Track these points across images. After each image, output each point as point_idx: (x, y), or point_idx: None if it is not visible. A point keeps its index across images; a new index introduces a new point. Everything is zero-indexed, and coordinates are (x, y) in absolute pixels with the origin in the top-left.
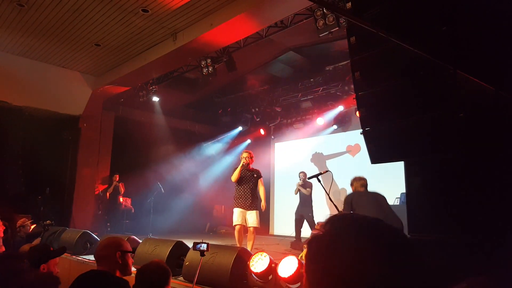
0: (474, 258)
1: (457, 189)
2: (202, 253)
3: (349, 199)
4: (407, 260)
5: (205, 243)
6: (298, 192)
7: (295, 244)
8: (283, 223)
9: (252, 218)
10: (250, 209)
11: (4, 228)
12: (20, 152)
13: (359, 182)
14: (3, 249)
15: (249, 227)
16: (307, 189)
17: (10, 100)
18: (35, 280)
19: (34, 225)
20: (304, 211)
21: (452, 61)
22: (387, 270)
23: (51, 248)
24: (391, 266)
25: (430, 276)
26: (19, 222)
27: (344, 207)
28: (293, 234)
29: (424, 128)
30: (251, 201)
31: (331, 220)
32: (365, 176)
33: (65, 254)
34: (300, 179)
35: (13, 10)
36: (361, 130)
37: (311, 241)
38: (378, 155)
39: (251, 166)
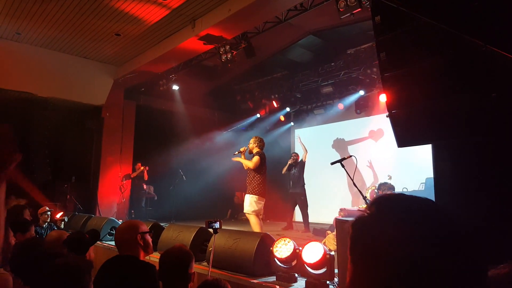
0: (508, 245)
1: (489, 174)
2: (215, 231)
3: None
4: (453, 242)
5: (217, 221)
6: (289, 173)
7: (317, 231)
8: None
9: (245, 203)
10: (246, 194)
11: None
12: (46, 142)
13: (386, 186)
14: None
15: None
16: (295, 169)
17: (35, 92)
18: (70, 264)
19: (61, 213)
20: (296, 194)
21: (483, 37)
22: (432, 251)
23: (86, 235)
24: (436, 247)
25: (478, 259)
26: (40, 210)
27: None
28: (315, 221)
29: (453, 109)
30: (248, 186)
31: (377, 200)
32: (389, 162)
33: None
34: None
35: (36, 2)
36: (385, 114)
37: (356, 222)
38: (405, 139)
39: (254, 151)
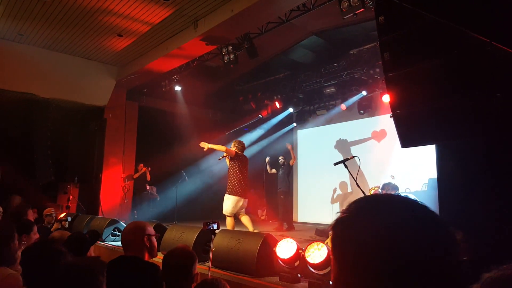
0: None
1: (493, 174)
2: (213, 232)
3: None
4: (435, 236)
5: (215, 222)
6: (277, 174)
7: (320, 231)
8: (307, 210)
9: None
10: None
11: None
12: (49, 142)
13: (390, 186)
14: (38, 236)
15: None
16: (273, 169)
17: (38, 93)
18: (82, 265)
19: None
20: (278, 193)
21: (488, 34)
22: (413, 246)
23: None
24: (417, 242)
25: (459, 252)
26: (45, 211)
27: None
28: (317, 221)
29: (458, 110)
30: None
31: (355, 202)
32: (391, 162)
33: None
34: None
35: (38, 3)
36: (388, 114)
37: (336, 224)
38: (408, 139)
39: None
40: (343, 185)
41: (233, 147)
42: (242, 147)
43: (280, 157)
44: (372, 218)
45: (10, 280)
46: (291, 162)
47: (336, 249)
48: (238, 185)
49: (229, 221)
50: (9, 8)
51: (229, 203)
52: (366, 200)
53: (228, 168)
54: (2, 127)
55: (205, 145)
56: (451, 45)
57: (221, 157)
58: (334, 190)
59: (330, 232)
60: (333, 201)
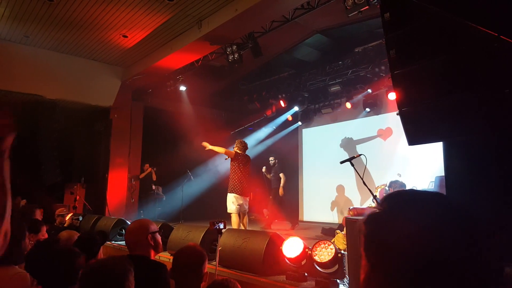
0: None
1: (502, 171)
2: (219, 231)
3: None
4: (468, 234)
5: (222, 221)
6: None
7: (326, 230)
8: (312, 209)
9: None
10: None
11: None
12: (55, 143)
13: (397, 184)
14: (46, 236)
15: None
16: (271, 174)
17: (43, 94)
18: (108, 267)
19: (70, 215)
20: (274, 192)
21: (496, 27)
22: (448, 245)
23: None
24: (450, 239)
25: (493, 251)
26: (58, 211)
27: None
28: (323, 220)
29: (466, 106)
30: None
31: (388, 197)
32: (398, 161)
33: None
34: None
35: (43, 6)
36: (394, 112)
37: (369, 219)
38: (416, 137)
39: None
40: (348, 183)
41: (235, 147)
42: (243, 146)
43: (271, 157)
44: (408, 214)
45: (17, 279)
46: (282, 180)
47: (369, 246)
48: (237, 183)
49: (233, 218)
50: (15, 11)
51: (229, 201)
52: (401, 195)
53: (230, 168)
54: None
55: (206, 145)
56: (458, 40)
57: (226, 158)
58: (340, 189)
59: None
60: (338, 200)
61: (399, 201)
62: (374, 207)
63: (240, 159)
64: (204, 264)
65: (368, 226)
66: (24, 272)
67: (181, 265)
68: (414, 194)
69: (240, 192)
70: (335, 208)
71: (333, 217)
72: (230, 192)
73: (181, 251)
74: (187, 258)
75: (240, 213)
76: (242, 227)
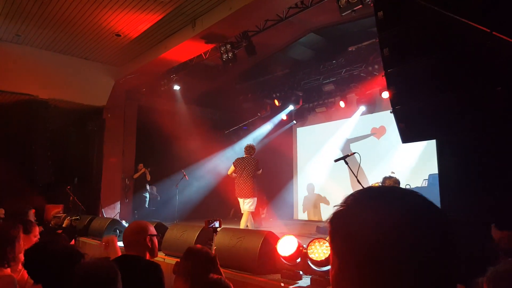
0: None
1: (495, 169)
2: (215, 230)
3: None
4: (433, 224)
5: (217, 220)
6: None
7: (321, 229)
8: (307, 207)
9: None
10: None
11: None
12: (48, 143)
13: (391, 180)
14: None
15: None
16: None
17: (36, 93)
18: (100, 268)
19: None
20: None
21: (489, 23)
22: (411, 236)
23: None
24: (415, 231)
25: (456, 242)
26: (53, 213)
27: None
28: (318, 219)
29: (458, 104)
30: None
31: (351, 194)
32: (391, 159)
33: (96, 241)
34: None
35: (35, 4)
36: (388, 111)
37: (333, 217)
38: (409, 134)
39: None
40: (343, 181)
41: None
42: (248, 149)
43: None
44: (369, 209)
45: (3, 282)
46: None
47: (334, 243)
48: (235, 186)
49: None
50: (6, 9)
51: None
52: (362, 192)
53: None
54: (1, 128)
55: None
56: (451, 39)
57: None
58: (334, 187)
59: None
60: (333, 198)
61: (360, 197)
62: (338, 205)
63: (238, 164)
64: (211, 267)
65: (333, 222)
66: (10, 275)
67: (189, 264)
68: (375, 190)
69: (236, 194)
70: (330, 207)
71: (328, 216)
72: None
73: (191, 250)
74: (195, 258)
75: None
76: (241, 226)
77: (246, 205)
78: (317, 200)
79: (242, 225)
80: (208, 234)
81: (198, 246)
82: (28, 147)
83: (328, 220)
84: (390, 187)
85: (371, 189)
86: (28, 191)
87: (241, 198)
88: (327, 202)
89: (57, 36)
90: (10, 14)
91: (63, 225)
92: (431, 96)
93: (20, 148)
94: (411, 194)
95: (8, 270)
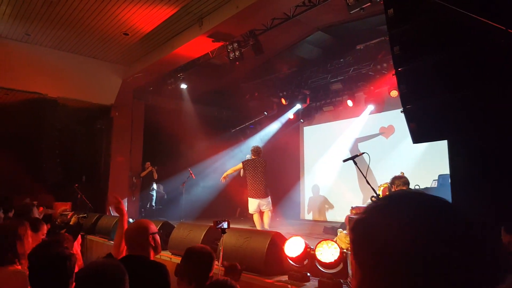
0: None
1: (508, 169)
2: (223, 231)
3: None
4: (456, 229)
5: (225, 221)
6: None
7: (328, 229)
8: (314, 207)
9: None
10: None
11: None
12: (57, 141)
13: (401, 180)
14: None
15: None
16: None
17: (45, 92)
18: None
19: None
20: None
21: (505, 21)
22: (437, 241)
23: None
24: (441, 236)
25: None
26: (59, 211)
27: None
28: (325, 219)
29: (471, 103)
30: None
31: (373, 202)
32: (400, 159)
33: (103, 239)
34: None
35: (44, 4)
36: (397, 110)
37: (356, 225)
38: (420, 134)
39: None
40: (350, 182)
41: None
42: (254, 151)
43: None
44: (392, 216)
45: (15, 277)
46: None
47: (357, 253)
48: (250, 188)
49: (254, 218)
50: (16, 9)
51: (249, 204)
52: (384, 199)
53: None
54: (11, 127)
55: (227, 174)
56: (463, 36)
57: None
58: (342, 187)
59: (339, 230)
60: (340, 198)
61: (382, 204)
62: (359, 213)
63: (248, 166)
64: (213, 265)
65: (355, 231)
66: (22, 271)
67: (193, 265)
68: (397, 196)
69: (253, 195)
70: (337, 207)
71: (335, 216)
72: (248, 196)
73: (193, 250)
74: (198, 257)
75: (260, 212)
76: (265, 225)
77: (266, 205)
78: (324, 201)
79: (266, 225)
80: (214, 234)
81: (198, 246)
82: (36, 145)
83: (350, 229)
84: (415, 193)
85: (394, 195)
86: (36, 189)
87: (258, 198)
88: (334, 203)
89: (66, 35)
90: (20, 13)
91: (71, 223)
92: (443, 95)
93: (29, 146)
94: (438, 201)
95: (19, 267)
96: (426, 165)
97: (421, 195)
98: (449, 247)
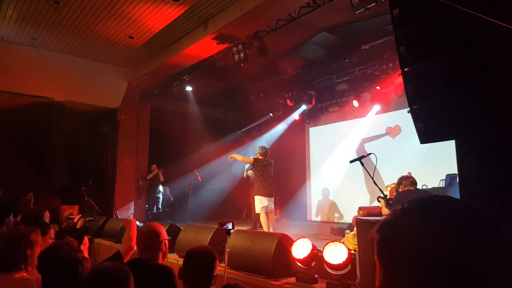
0: None
1: None
2: (228, 232)
3: (401, 199)
4: (491, 239)
5: (230, 222)
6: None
7: (335, 230)
8: (321, 208)
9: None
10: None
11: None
12: (63, 145)
13: (408, 180)
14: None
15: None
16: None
17: (52, 96)
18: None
19: (80, 218)
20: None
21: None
22: (465, 248)
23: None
24: (469, 245)
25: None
26: (65, 214)
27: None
28: (332, 220)
29: (479, 102)
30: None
31: (400, 204)
32: (407, 159)
33: (110, 242)
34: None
35: (50, 8)
36: (403, 109)
37: (382, 227)
38: (427, 134)
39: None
40: (357, 183)
41: (257, 154)
42: (264, 152)
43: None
44: (420, 220)
45: (23, 285)
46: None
47: (381, 254)
48: (261, 186)
49: (262, 218)
50: (23, 13)
51: (256, 202)
52: (410, 202)
53: (253, 172)
54: (18, 130)
55: (234, 157)
56: (471, 35)
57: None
58: (348, 188)
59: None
60: (347, 199)
61: (409, 207)
62: (387, 215)
63: (261, 164)
64: (215, 266)
65: (381, 233)
66: (29, 278)
67: (192, 266)
68: (425, 199)
69: (265, 194)
70: (344, 208)
71: (342, 217)
72: (256, 195)
73: (192, 252)
74: (199, 259)
75: (267, 213)
76: (272, 225)
77: (272, 205)
78: (331, 202)
79: (272, 225)
80: (221, 236)
81: (199, 246)
82: (44, 149)
83: (375, 230)
84: (439, 197)
85: (420, 199)
86: (44, 192)
87: (268, 197)
88: (341, 204)
89: (71, 39)
90: (26, 18)
91: (77, 226)
92: (451, 95)
93: (36, 150)
94: (464, 205)
95: (26, 274)
96: (433, 164)
97: (448, 199)
98: (475, 249)
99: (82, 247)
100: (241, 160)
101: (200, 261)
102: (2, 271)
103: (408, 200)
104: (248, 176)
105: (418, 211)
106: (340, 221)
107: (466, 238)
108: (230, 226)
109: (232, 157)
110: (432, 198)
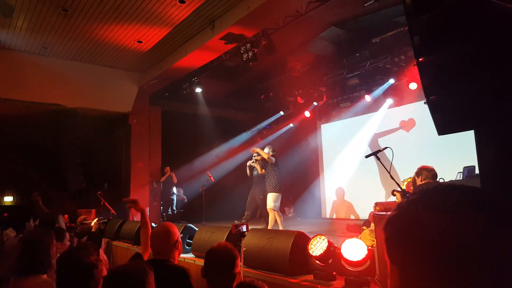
0: None
1: None
2: (242, 234)
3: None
4: (497, 222)
5: (244, 224)
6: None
7: (351, 227)
8: (336, 205)
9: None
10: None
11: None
12: (78, 151)
13: (430, 172)
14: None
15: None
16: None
17: (64, 103)
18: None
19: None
20: (255, 193)
21: None
22: (481, 240)
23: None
24: (474, 228)
25: None
26: (79, 219)
27: None
28: (348, 217)
29: (498, 91)
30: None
31: (405, 198)
32: (423, 152)
33: (127, 244)
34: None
35: (59, 16)
36: (416, 102)
37: (389, 223)
38: (445, 126)
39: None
40: (371, 178)
41: (269, 152)
42: (274, 150)
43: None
44: (427, 210)
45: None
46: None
47: (391, 251)
48: (277, 183)
49: (277, 216)
50: (33, 23)
51: (272, 199)
52: (415, 193)
53: (267, 170)
54: (33, 138)
55: (256, 150)
56: (488, 23)
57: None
58: (363, 184)
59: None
60: (362, 195)
61: (414, 199)
62: (391, 210)
63: (277, 161)
64: (236, 263)
65: (387, 229)
66: (50, 281)
67: (214, 264)
68: (429, 188)
69: (280, 191)
70: (359, 204)
71: (358, 213)
72: (272, 192)
73: (214, 250)
74: (220, 257)
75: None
76: (270, 225)
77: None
78: (345, 198)
79: (270, 225)
80: (236, 235)
81: (219, 244)
82: (59, 155)
83: (382, 228)
84: (446, 184)
85: (424, 190)
86: (60, 197)
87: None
88: (355, 200)
89: (81, 46)
90: (36, 27)
91: (93, 230)
92: (468, 84)
93: (51, 156)
94: (471, 190)
95: (45, 276)
96: (450, 157)
97: (453, 186)
98: (488, 234)
99: (100, 250)
100: (262, 153)
101: (222, 259)
102: (29, 274)
103: (417, 192)
104: (251, 174)
105: (425, 199)
106: (355, 217)
107: (485, 224)
108: (244, 228)
109: (254, 150)
110: (437, 186)
